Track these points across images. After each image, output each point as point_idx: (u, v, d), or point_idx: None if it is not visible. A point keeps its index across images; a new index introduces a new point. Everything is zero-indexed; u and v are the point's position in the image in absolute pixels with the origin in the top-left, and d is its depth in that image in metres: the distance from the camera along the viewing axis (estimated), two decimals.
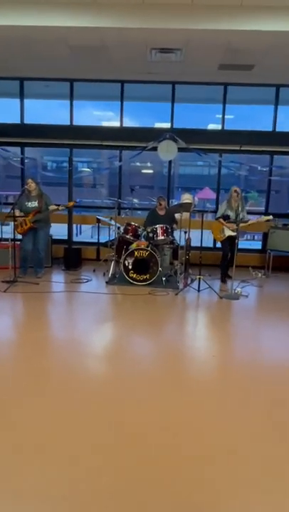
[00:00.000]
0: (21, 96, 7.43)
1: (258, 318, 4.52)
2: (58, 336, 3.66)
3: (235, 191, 5.79)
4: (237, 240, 5.47)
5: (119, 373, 2.87)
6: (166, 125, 7.38)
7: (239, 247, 5.66)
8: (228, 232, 5.81)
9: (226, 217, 5.79)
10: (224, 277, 6.03)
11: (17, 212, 5.55)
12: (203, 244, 5.53)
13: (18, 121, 7.52)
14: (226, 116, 7.29)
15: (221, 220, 5.83)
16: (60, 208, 5.79)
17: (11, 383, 2.65)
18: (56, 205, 5.81)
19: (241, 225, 5.40)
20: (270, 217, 5.91)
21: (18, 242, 5.81)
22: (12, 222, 5.47)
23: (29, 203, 5.69)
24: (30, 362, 3.01)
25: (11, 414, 2.27)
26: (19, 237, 5.77)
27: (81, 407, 2.37)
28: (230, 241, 5.85)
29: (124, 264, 5.50)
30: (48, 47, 5.83)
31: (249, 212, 6.18)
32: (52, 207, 5.77)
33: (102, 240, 7.13)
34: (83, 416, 2.28)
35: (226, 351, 3.44)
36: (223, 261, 5.97)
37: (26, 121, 7.54)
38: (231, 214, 5.78)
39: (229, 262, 5.95)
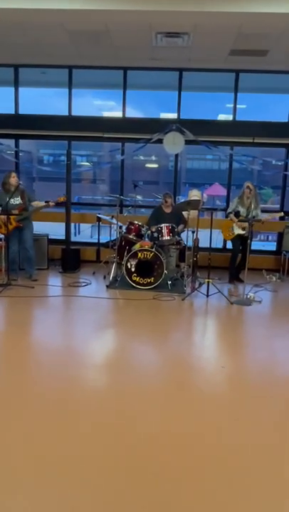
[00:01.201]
0: (16, 84, 7.47)
1: (272, 326, 4.50)
2: (54, 344, 3.66)
3: (248, 187, 5.81)
4: (250, 241, 5.45)
5: (120, 385, 2.86)
6: (173, 115, 7.38)
7: (252, 248, 5.64)
8: (238, 231, 5.81)
9: (236, 214, 5.78)
10: (232, 279, 6.01)
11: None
12: (213, 245, 5.52)
13: (12, 111, 7.55)
14: (237, 106, 7.28)
15: (232, 216, 5.83)
16: (51, 204, 5.69)
17: (3, 392, 2.66)
18: (46, 201, 5.78)
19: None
20: (281, 213, 5.93)
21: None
22: None
23: (12, 200, 5.57)
24: (21, 372, 3.02)
25: (2, 423, 2.28)
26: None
27: (79, 420, 2.37)
28: (242, 241, 5.84)
29: (126, 267, 5.50)
30: (44, 31, 5.86)
31: (263, 210, 6.15)
32: (37, 203, 5.74)
33: (103, 240, 7.14)
34: (81, 428, 2.28)
35: (237, 362, 3.42)
36: (232, 261, 5.96)
37: (21, 111, 7.58)
38: (242, 210, 5.78)
39: (241, 264, 5.94)
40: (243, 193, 5.89)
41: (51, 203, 5.69)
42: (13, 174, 5.66)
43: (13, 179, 5.59)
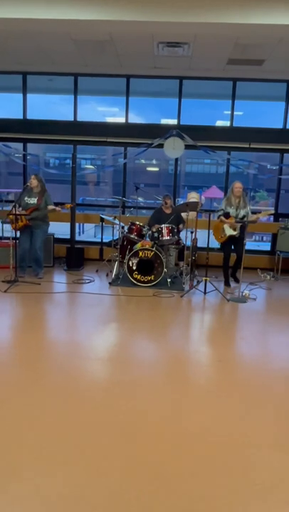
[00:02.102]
0: (24, 90, 7.44)
1: (266, 322, 4.50)
2: (59, 339, 3.66)
3: (236, 187, 5.65)
4: (245, 241, 5.37)
5: (121, 378, 2.86)
6: (173, 121, 7.36)
7: (247, 247, 5.60)
8: (229, 232, 5.61)
9: (226, 215, 5.67)
10: (228, 281, 5.95)
11: (18, 210, 5.55)
12: (210, 245, 5.50)
13: (20, 116, 7.53)
14: (234, 113, 7.25)
15: (222, 217, 5.65)
16: (57, 209, 5.76)
17: (7, 386, 2.65)
18: (55, 204, 5.83)
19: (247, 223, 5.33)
20: (262, 213, 5.75)
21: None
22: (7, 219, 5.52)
23: (29, 199, 5.71)
24: (28, 365, 3.01)
25: (6, 418, 2.27)
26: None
27: (80, 413, 2.36)
28: (234, 242, 5.71)
29: (128, 265, 5.49)
30: (51, 40, 5.84)
31: (254, 212, 6.02)
32: (50, 207, 5.78)
33: (106, 240, 7.13)
34: (82, 421, 2.27)
35: (233, 356, 3.42)
36: (225, 265, 5.86)
37: (29, 116, 7.55)
38: (231, 211, 5.65)
39: (237, 263, 5.89)
40: (232, 192, 5.72)
41: (58, 209, 5.76)
42: (32, 176, 5.79)
43: (32, 181, 5.75)
